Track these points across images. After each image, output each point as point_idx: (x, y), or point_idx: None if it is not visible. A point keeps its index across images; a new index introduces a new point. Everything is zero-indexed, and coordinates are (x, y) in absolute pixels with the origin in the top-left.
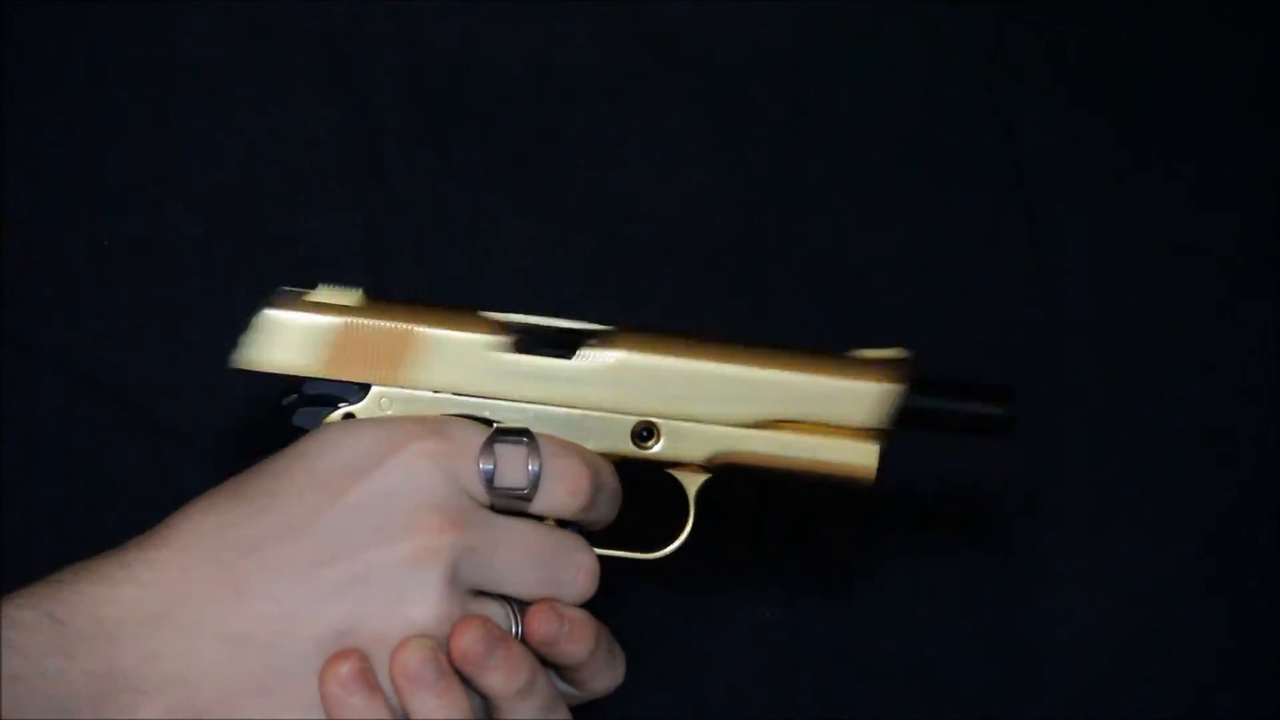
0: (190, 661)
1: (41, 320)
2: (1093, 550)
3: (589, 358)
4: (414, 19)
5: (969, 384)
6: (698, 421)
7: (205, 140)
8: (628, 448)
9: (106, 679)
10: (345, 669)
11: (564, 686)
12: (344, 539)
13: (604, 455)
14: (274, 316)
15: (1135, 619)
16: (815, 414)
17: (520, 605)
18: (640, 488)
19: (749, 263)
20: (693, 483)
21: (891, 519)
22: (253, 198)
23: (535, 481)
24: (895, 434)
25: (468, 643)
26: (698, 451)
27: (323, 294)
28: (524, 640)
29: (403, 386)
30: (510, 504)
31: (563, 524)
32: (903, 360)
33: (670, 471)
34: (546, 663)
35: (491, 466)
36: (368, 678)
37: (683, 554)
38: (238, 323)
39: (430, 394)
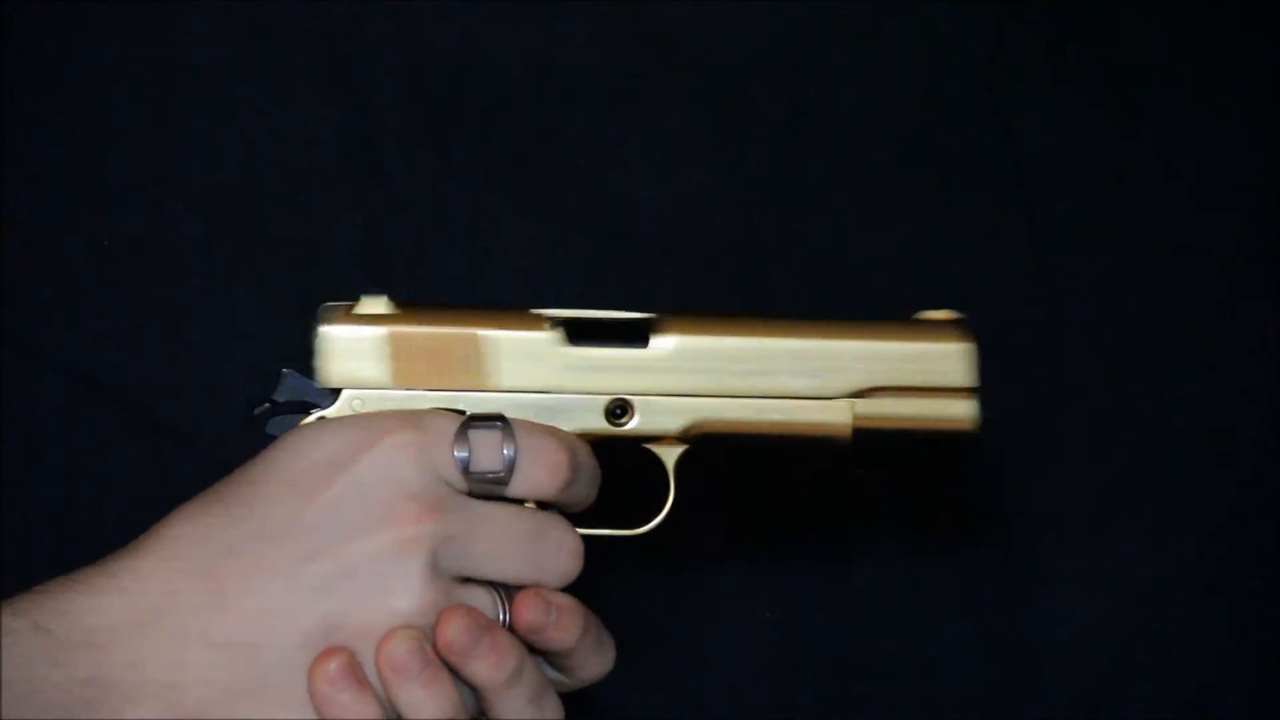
0: (177, 667)
1: (41, 320)
2: (1093, 550)
3: (665, 345)
4: (414, 19)
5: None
6: (791, 399)
7: (205, 140)
8: (602, 426)
9: (95, 687)
10: (333, 666)
11: (553, 674)
12: (324, 535)
13: (580, 435)
14: (333, 333)
15: (1135, 619)
16: (912, 378)
17: (508, 592)
18: (621, 469)
19: (749, 263)
20: (670, 456)
21: (891, 519)
22: (253, 198)
23: (511, 465)
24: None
25: (453, 632)
26: (672, 424)
27: (369, 305)
28: (511, 628)
29: (472, 390)
30: (488, 489)
31: (544, 507)
32: (964, 320)
33: (648, 446)
34: (535, 650)
35: (466, 453)
36: (356, 673)
37: (682, 553)
38: (238, 322)
39: (403, 391)
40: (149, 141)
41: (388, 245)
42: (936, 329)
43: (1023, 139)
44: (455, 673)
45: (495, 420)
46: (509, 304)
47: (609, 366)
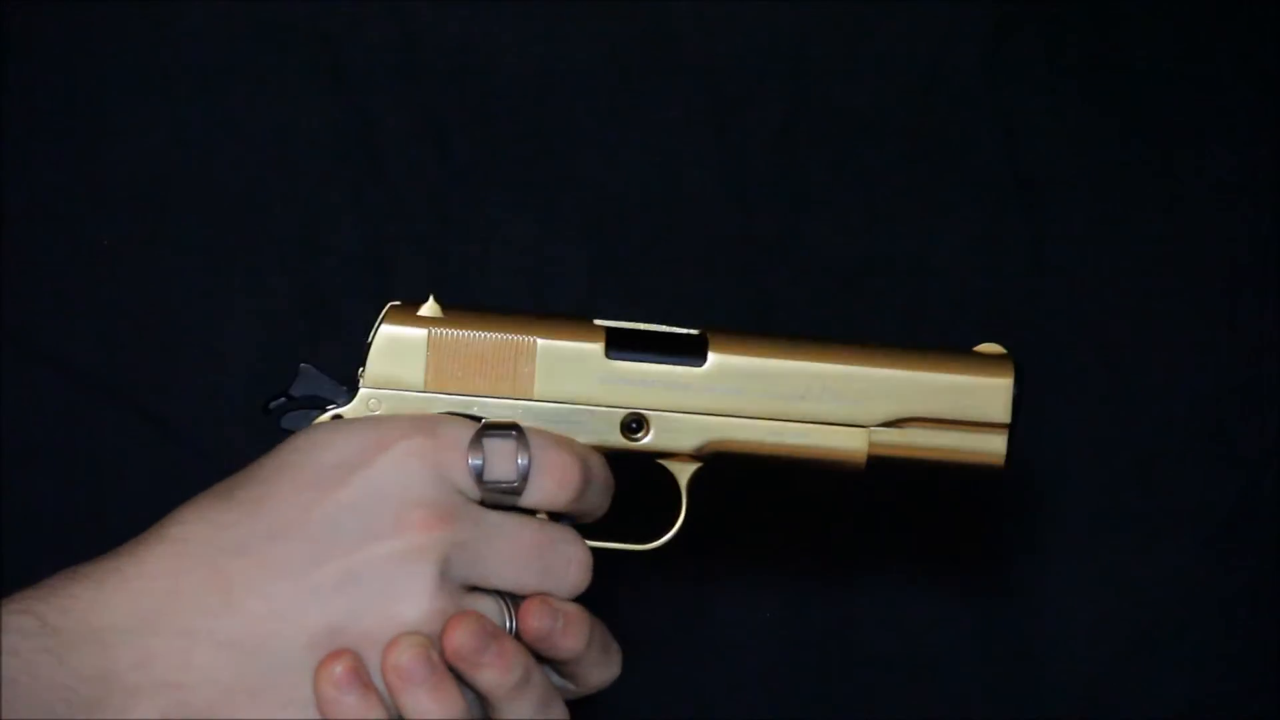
0: (183, 665)
1: (41, 320)
2: (1093, 550)
3: (708, 363)
4: (414, 19)
5: None
6: (826, 424)
7: (205, 140)
8: (617, 440)
9: (100, 683)
10: (339, 669)
11: (560, 681)
12: (334, 538)
13: (594, 448)
14: (395, 334)
15: (1135, 619)
16: (946, 410)
17: (514, 600)
18: (633, 481)
19: (749, 263)
20: (684, 473)
21: (891, 519)
22: (253, 198)
23: (525, 475)
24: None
25: (460, 639)
26: (687, 441)
27: (431, 308)
28: (518, 635)
29: (495, 397)
30: (500, 498)
31: (555, 518)
32: (1009, 355)
33: (661, 462)
34: (542, 658)
35: (480, 461)
36: (361, 677)
37: (682, 553)
38: (238, 322)
39: (419, 394)
40: (149, 141)
41: (388, 245)
42: (978, 361)
43: (1023, 139)
44: (462, 680)
45: (510, 429)
46: (509, 304)
47: (642, 381)
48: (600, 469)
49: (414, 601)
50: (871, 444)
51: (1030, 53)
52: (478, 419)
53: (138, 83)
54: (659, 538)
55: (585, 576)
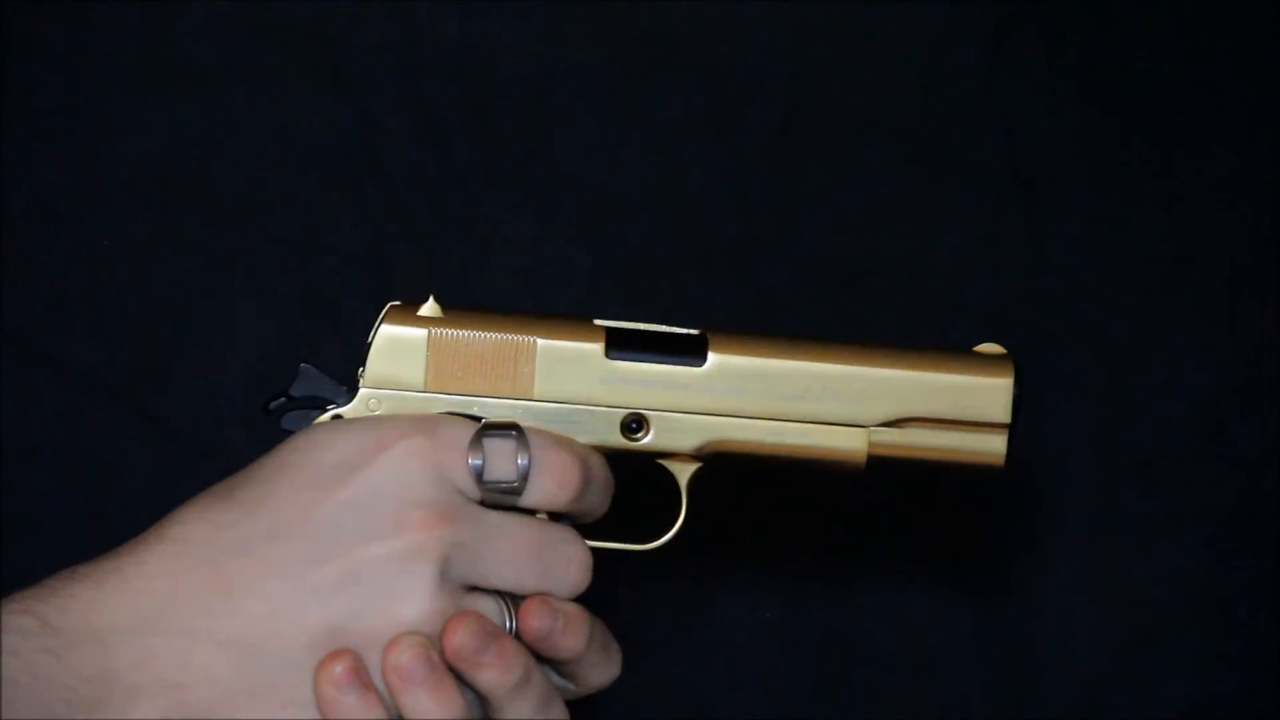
0: (183, 664)
1: (41, 320)
2: (1093, 550)
3: (708, 363)
4: (414, 19)
5: None
6: (827, 424)
7: (205, 140)
8: (617, 440)
9: (100, 683)
10: (339, 669)
11: (560, 681)
12: (334, 538)
13: (594, 448)
14: (395, 334)
15: (1135, 619)
16: (947, 410)
17: (514, 600)
18: (633, 481)
19: (749, 263)
20: (684, 473)
21: (891, 519)
22: (253, 198)
23: (525, 474)
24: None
25: (460, 639)
26: (687, 441)
27: (430, 308)
28: (518, 635)
29: (494, 396)
30: (500, 498)
31: (555, 518)
32: (1009, 355)
33: (661, 462)
34: (542, 658)
35: (480, 461)
36: (361, 677)
37: (682, 553)
38: (238, 322)
39: (419, 394)
40: (149, 141)
41: (388, 245)
42: (978, 361)
43: (1023, 139)
44: (462, 680)
45: (510, 429)
46: (508, 305)
47: (642, 381)
48: (600, 469)
49: (414, 601)
50: (871, 444)
51: (1030, 53)
52: (478, 419)
53: (138, 83)
54: (659, 538)
55: (585, 576)
